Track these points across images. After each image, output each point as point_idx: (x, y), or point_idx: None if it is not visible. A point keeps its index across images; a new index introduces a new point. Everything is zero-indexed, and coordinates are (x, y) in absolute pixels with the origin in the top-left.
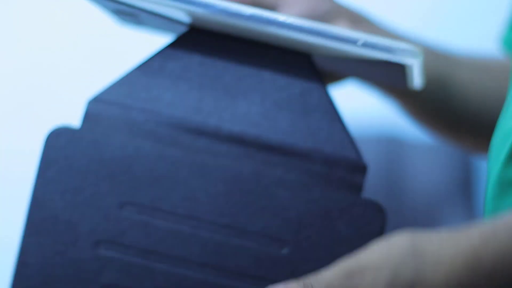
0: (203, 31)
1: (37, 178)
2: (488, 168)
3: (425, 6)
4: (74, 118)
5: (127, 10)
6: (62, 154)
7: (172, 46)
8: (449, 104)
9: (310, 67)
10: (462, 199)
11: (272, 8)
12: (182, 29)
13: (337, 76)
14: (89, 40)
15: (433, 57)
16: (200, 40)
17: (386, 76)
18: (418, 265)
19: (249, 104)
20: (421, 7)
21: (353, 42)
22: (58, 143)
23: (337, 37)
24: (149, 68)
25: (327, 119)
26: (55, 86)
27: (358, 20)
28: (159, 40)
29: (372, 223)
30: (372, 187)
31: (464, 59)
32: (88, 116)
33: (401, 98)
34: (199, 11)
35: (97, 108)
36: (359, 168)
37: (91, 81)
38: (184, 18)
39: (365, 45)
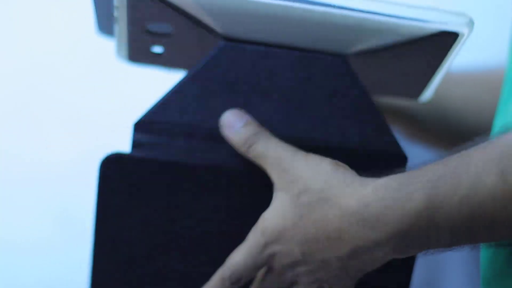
0: (235, 40)
1: (97, 205)
2: None
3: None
4: (74, 119)
5: (161, 28)
6: (117, 180)
7: (210, 60)
8: (446, 122)
9: (347, 67)
10: None
11: None
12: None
13: None
14: (90, 41)
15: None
16: (236, 50)
17: (401, 86)
18: (326, 188)
19: (290, 106)
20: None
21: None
22: (112, 170)
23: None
24: (189, 87)
25: (368, 117)
26: (55, 87)
27: None
28: None
29: None
30: None
31: (459, 76)
32: (136, 141)
33: (398, 120)
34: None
35: (144, 132)
36: (401, 159)
37: (91, 81)
38: (219, 28)
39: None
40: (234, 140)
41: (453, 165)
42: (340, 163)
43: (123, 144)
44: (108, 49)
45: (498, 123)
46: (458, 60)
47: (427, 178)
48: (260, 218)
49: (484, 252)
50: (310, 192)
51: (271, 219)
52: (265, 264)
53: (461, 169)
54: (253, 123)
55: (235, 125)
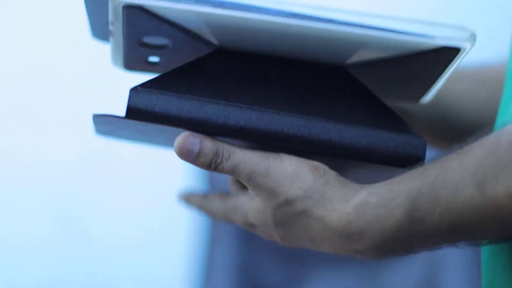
0: (229, 51)
1: None
2: None
3: (426, 7)
4: (74, 119)
5: (157, 41)
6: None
7: (199, 61)
8: (446, 120)
9: (350, 76)
10: None
11: None
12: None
13: None
14: (90, 41)
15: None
16: (228, 58)
17: (400, 93)
18: (308, 205)
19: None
20: (422, 8)
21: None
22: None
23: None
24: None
25: (387, 118)
26: (55, 87)
27: None
28: None
29: None
30: None
31: (459, 73)
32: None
33: None
34: (267, 18)
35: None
36: (419, 159)
37: (91, 81)
38: (215, 41)
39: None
40: (198, 165)
41: (431, 178)
42: (319, 166)
43: (123, 144)
44: (108, 49)
45: (499, 124)
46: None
47: (406, 193)
48: (241, 203)
49: (485, 251)
50: (291, 205)
51: (255, 218)
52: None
53: (439, 183)
54: (208, 142)
55: (191, 152)
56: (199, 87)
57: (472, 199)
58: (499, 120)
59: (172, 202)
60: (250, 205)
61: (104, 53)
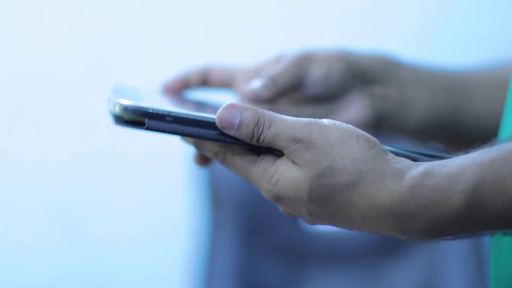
0: None
1: None
2: None
3: (428, 7)
4: (73, 119)
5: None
6: None
7: None
8: (465, 128)
9: None
10: None
11: (303, 78)
12: None
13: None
14: (90, 41)
15: (449, 86)
16: None
17: None
18: (354, 178)
19: None
20: (424, 7)
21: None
22: None
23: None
24: None
25: None
26: (55, 87)
27: (372, 80)
28: (163, 44)
29: None
30: None
31: (479, 78)
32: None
33: (415, 133)
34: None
35: None
36: None
37: (91, 81)
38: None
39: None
40: (241, 138)
41: (496, 165)
42: (369, 137)
43: (123, 144)
44: (108, 49)
45: (506, 128)
46: (458, 61)
47: (467, 180)
48: (274, 169)
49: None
50: (334, 176)
51: (286, 188)
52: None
53: (507, 170)
54: (249, 112)
55: (233, 124)
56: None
57: None
58: (505, 124)
59: (172, 202)
60: (285, 173)
61: (103, 53)
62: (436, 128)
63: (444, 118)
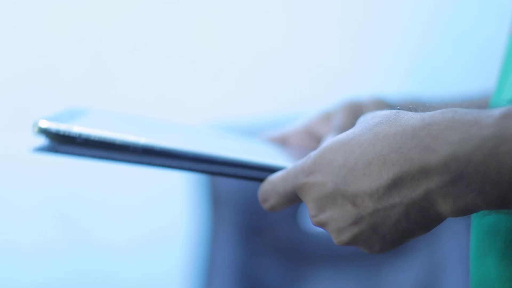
0: None
1: None
2: None
3: (429, 7)
4: None
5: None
6: None
7: None
8: None
9: None
10: None
11: (327, 132)
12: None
13: None
14: (90, 42)
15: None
16: None
17: None
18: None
19: None
20: (425, 8)
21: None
22: None
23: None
24: None
25: None
26: (55, 87)
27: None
28: (162, 44)
29: None
30: None
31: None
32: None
33: None
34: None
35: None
36: None
37: (90, 81)
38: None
39: None
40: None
41: None
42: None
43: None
44: (108, 50)
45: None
46: (459, 60)
47: (500, 112)
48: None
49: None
50: (377, 114)
51: (316, 151)
52: (295, 193)
53: None
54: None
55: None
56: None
57: None
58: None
59: (172, 202)
60: (314, 151)
61: (103, 54)
62: None
63: None
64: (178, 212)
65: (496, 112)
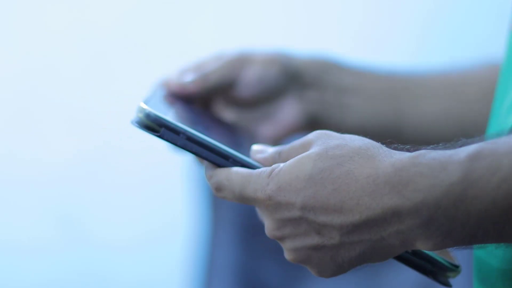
0: None
1: None
2: None
3: (426, 8)
4: (73, 119)
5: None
6: None
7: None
8: (408, 132)
9: None
10: None
11: (236, 77)
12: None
13: None
14: (90, 41)
15: (391, 91)
16: None
17: None
18: (360, 151)
19: None
20: (422, 9)
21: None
22: None
23: None
24: None
25: None
26: (55, 87)
27: (309, 85)
28: (163, 44)
29: None
30: None
31: (428, 81)
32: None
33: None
34: None
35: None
36: None
37: (91, 81)
38: None
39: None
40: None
41: (494, 143)
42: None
43: (123, 144)
44: (108, 49)
45: (494, 125)
46: (459, 60)
47: (466, 154)
48: (273, 169)
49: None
50: (344, 148)
51: (287, 167)
52: (251, 203)
53: (503, 148)
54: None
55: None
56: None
57: None
58: (493, 121)
59: (172, 202)
60: (286, 163)
61: (103, 53)
62: (375, 132)
63: (384, 123)
64: (178, 212)
65: (462, 154)
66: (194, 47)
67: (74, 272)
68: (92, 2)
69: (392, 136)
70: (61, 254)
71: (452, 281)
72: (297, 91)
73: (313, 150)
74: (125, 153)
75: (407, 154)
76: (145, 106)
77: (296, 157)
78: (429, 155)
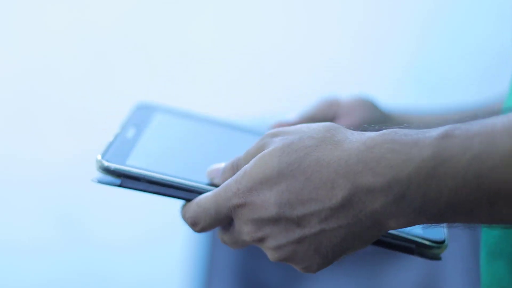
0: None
1: None
2: None
3: (426, 8)
4: (73, 119)
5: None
6: None
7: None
8: None
9: None
10: None
11: (330, 120)
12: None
13: None
14: (89, 42)
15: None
16: None
17: None
18: (325, 138)
19: None
20: (425, 8)
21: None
22: None
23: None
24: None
25: None
26: (55, 88)
27: (401, 124)
28: (163, 44)
29: None
30: None
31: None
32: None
33: None
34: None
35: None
36: None
37: (91, 82)
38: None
39: (395, 238)
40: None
41: (469, 123)
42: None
43: None
44: (108, 49)
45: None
46: (459, 61)
47: (439, 132)
48: (238, 175)
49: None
50: (306, 140)
51: (251, 167)
52: (229, 214)
53: (475, 129)
54: (227, 164)
55: (218, 171)
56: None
57: (510, 153)
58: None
59: (172, 202)
60: (254, 159)
61: (103, 54)
62: None
63: None
64: (178, 212)
65: (434, 133)
66: (194, 47)
67: (74, 272)
68: (92, 2)
69: None
70: (61, 254)
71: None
72: None
73: (273, 147)
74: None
75: (379, 132)
76: (101, 159)
77: (256, 157)
78: (401, 132)
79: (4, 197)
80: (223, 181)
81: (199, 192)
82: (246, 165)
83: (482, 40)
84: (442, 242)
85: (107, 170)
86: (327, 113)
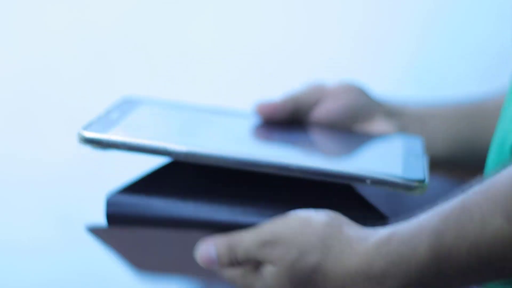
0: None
1: None
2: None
3: (426, 8)
4: (73, 119)
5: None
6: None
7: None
8: (477, 150)
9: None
10: None
11: (314, 103)
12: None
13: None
14: (89, 41)
15: (464, 115)
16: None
17: None
18: (324, 253)
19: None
20: (425, 8)
21: (362, 180)
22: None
23: (348, 177)
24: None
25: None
26: (55, 87)
27: (392, 113)
28: (163, 44)
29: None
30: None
31: (488, 105)
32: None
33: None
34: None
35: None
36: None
37: (91, 82)
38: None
39: (373, 182)
40: (226, 271)
41: (456, 213)
42: (331, 215)
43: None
44: (108, 49)
45: (489, 164)
46: (459, 61)
47: (430, 230)
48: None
49: None
50: (307, 257)
51: (271, 283)
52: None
53: (465, 217)
54: (220, 241)
55: (212, 259)
56: (171, 188)
57: (502, 230)
58: (500, 128)
59: None
60: (266, 278)
61: (103, 54)
62: (460, 156)
63: (467, 145)
64: None
65: (427, 230)
66: (194, 47)
67: (74, 272)
68: (92, 2)
69: (475, 159)
70: (61, 254)
71: None
72: (383, 116)
73: (280, 269)
74: (125, 153)
75: (370, 241)
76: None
77: (271, 281)
78: (394, 241)
79: (4, 197)
80: (222, 267)
81: (177, 153)
82: (261, 281)
83: (482, 40)
84: (423, 181)
85: (88, 140)
86: (312, 97)
